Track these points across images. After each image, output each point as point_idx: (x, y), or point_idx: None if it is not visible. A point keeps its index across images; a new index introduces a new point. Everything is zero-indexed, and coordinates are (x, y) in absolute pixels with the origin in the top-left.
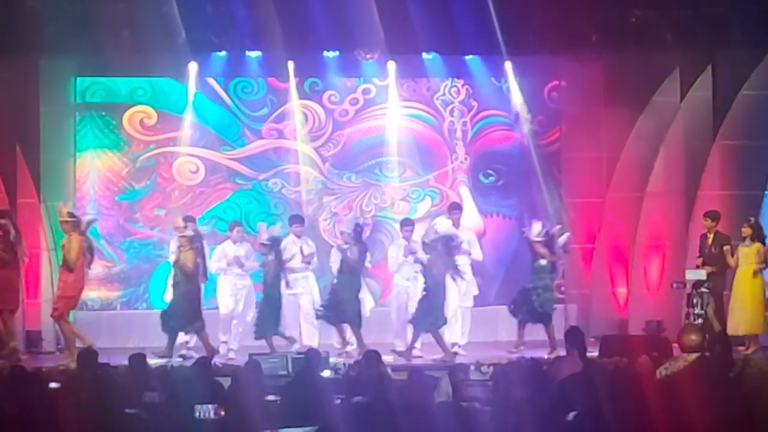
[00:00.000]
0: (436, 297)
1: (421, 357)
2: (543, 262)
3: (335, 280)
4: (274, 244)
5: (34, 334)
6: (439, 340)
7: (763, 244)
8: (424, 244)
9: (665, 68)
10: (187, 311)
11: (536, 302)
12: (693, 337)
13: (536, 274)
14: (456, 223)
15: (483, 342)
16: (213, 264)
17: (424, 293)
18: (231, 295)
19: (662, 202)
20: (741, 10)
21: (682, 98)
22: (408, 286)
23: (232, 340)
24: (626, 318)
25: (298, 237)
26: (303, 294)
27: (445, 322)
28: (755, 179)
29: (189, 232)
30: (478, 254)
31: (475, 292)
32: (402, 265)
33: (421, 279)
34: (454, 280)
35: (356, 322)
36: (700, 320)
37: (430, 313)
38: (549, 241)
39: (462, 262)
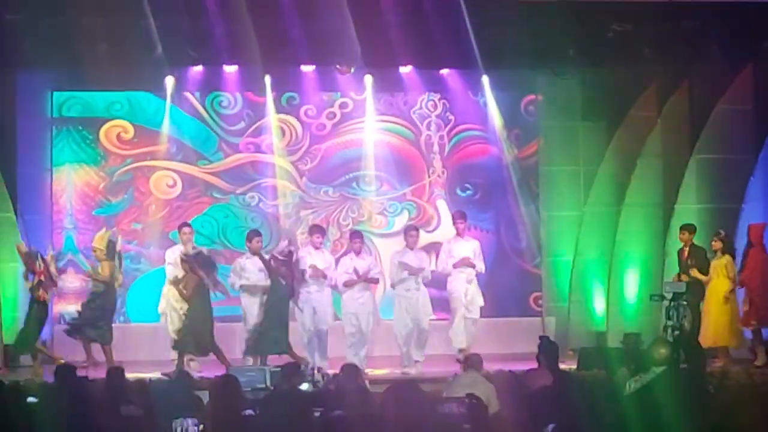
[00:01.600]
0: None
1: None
2: (283, 282)
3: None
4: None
5: (11, 349)
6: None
7: (733, 257)
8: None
9: (643, 82)
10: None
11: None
12: (662, 351)
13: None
14: (461, 233)
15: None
16: (235, 281)
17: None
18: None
19: (640, 216)
20: (718, 24)
21: (659, 112)
22: (410, 298)
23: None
24: (604, 331)
25: (316, 248)
26: (313, 307)
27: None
28: (732, 193)
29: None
30: (481, 267)
31: (481, 303)
32: (404, 278)
33: (424, 290)
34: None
35: (101, 337)
36: (677, 332)
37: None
38: (288, 260)
39: (467, 273)
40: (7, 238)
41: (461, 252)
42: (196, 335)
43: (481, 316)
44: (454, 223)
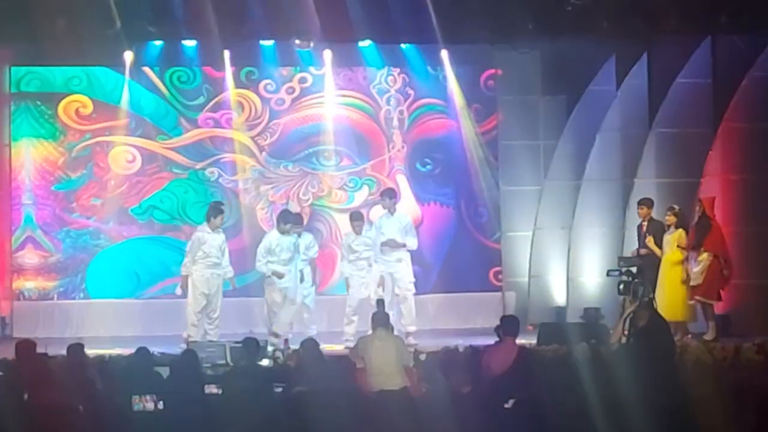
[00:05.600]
0: None
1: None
2: None
3: None
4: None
5: None
6: None
7: (687, 231)
8: None
9: (601, 56)
10: None
11: None
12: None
13: None
14: (391, 210)
15: (421, 330)
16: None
17: None
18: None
19: (599, 190)
20: None
21: (618, 86)
22: (362, 276)
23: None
24: (564, 306)
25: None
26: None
27: None
28: (690, 167)
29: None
30: (412, 243)
31: (411, 279)
32: (351, 259)
33: (377, 268)
34: None
35: None
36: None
37: None
38: None
39: (397, 251)
40: None
41: (390, 231)
42: None
43: (438, 292)
44: (381, 201)
